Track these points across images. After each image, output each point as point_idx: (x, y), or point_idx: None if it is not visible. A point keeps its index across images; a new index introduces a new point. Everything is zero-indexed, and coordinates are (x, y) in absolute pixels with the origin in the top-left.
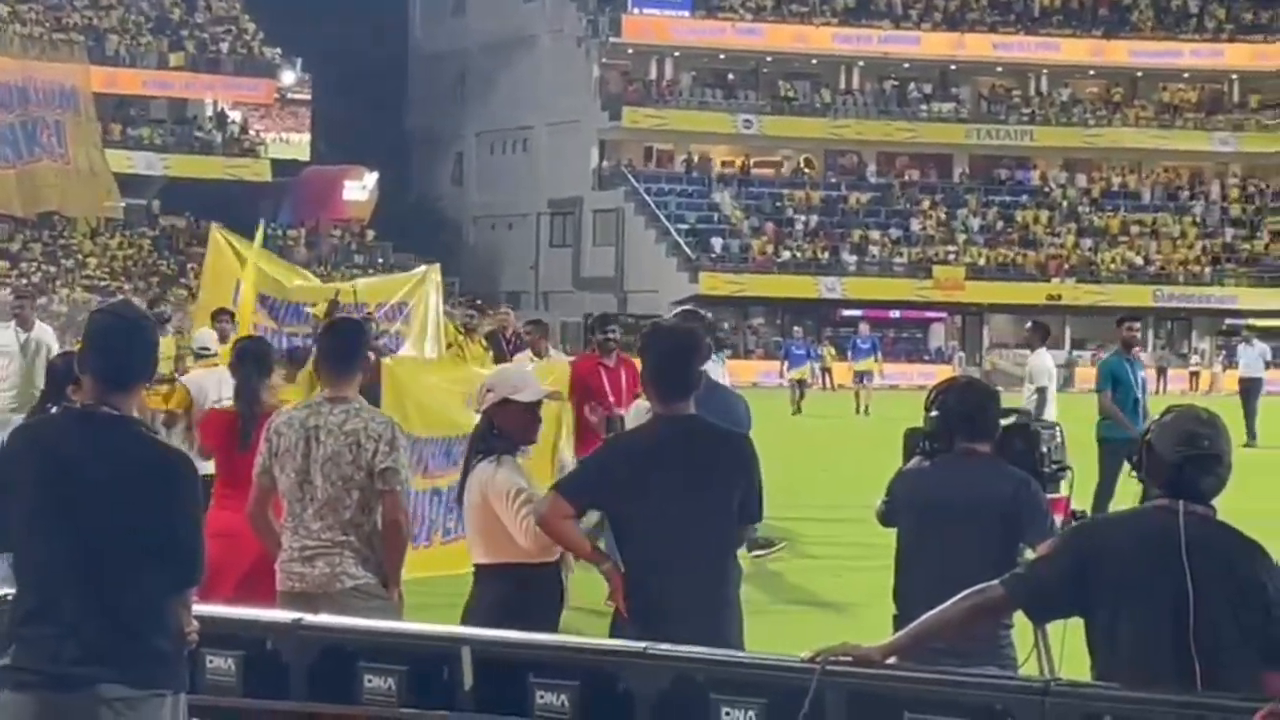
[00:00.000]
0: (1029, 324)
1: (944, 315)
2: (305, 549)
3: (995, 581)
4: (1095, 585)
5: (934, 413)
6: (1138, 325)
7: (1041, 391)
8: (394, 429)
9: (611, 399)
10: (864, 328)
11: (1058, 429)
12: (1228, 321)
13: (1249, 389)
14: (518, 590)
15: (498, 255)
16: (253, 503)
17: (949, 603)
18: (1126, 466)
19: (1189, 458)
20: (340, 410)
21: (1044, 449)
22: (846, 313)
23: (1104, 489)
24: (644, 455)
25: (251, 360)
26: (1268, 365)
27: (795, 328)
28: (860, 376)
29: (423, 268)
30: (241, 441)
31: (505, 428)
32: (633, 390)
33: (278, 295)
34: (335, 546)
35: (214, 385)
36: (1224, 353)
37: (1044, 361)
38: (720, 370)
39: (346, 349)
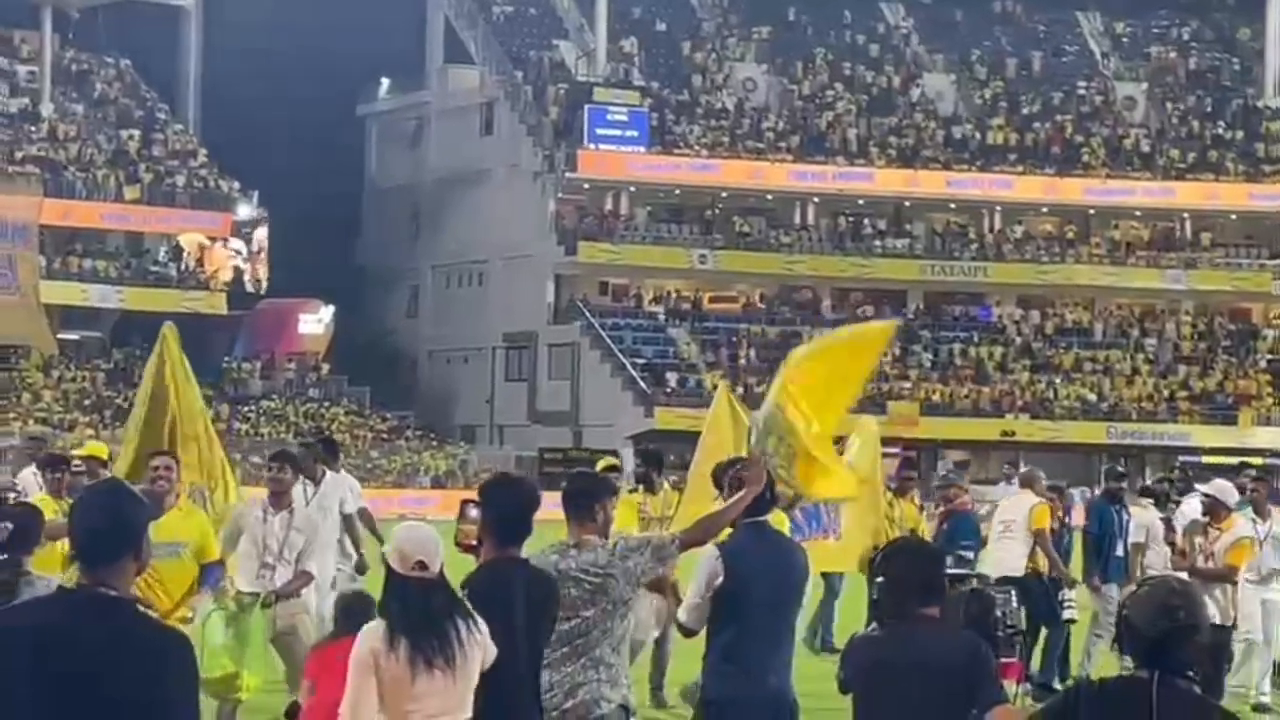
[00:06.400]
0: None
1: (898, 450)
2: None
3: None
4: None
5: (880, 579)
6: None
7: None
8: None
9: None
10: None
11: (1012, 593)
12: (1181, 459)
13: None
14: None
15: (453, 389)
16: None
17: None
18: None
19: (1166, 631)
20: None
21: (999, 613)
22: None
23: None
24: (499, 598)
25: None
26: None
27: None
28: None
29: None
30: None
31: None
32: None
33: None
34: None
35: None
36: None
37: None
38: None
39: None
